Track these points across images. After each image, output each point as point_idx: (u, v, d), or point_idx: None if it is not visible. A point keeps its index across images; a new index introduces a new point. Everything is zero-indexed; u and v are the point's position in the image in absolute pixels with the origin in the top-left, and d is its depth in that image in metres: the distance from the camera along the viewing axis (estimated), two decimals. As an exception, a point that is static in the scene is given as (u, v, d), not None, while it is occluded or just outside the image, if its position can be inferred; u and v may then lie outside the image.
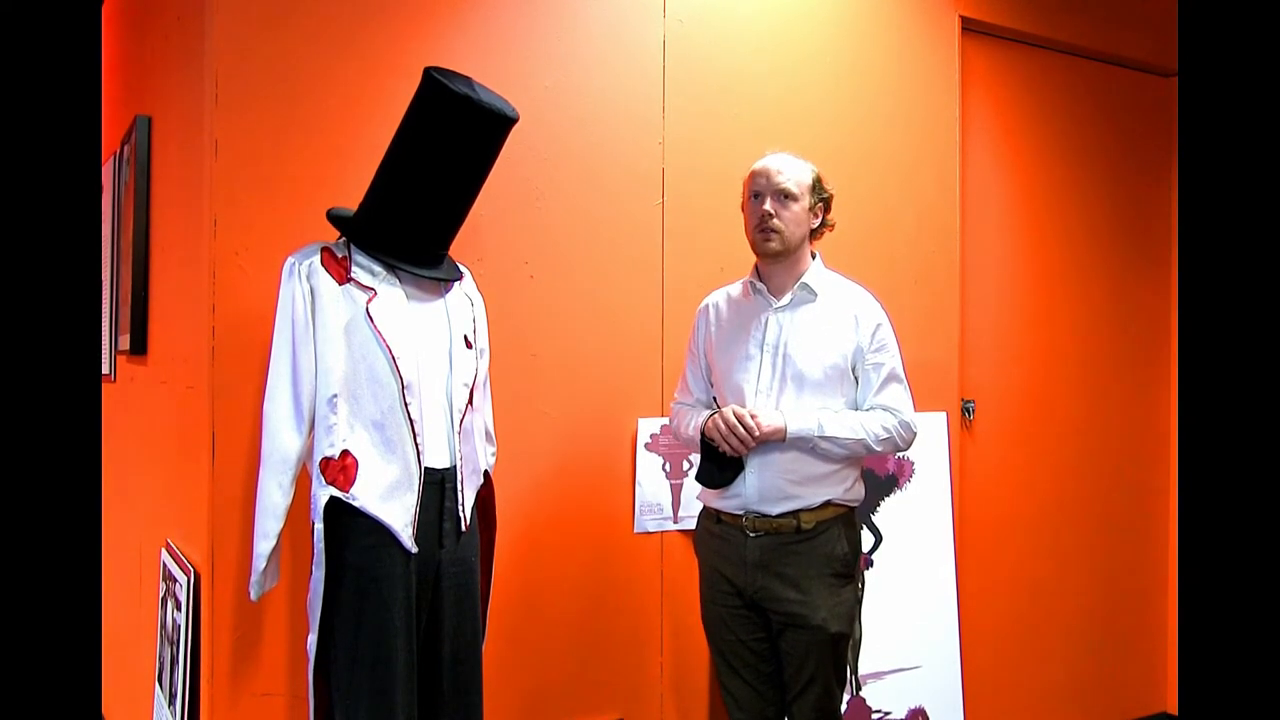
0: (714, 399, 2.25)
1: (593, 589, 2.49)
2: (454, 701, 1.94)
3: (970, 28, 3.14)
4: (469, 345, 1.99)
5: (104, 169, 3.09)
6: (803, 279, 2.16)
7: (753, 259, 2.50)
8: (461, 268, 2.05)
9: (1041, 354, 3.37)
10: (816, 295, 2.16)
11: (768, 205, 2.12)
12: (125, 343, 2.73)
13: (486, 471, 2.07)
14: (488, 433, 2.13)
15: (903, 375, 2.17)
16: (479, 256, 2.31)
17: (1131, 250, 3.60)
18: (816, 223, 2.18)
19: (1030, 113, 3.35)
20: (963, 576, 3.05)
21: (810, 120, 2.80)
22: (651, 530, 2.56)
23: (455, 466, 1.93)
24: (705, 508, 2.23)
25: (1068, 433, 3.42)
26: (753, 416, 2.04)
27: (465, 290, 2.05)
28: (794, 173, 2.13)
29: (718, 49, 2.66)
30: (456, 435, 1.93)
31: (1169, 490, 3.67)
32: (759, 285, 2.20)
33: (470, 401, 1.96)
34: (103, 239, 3.04)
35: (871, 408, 2.13)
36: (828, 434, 2.06)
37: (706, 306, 2.30)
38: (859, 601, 2.21)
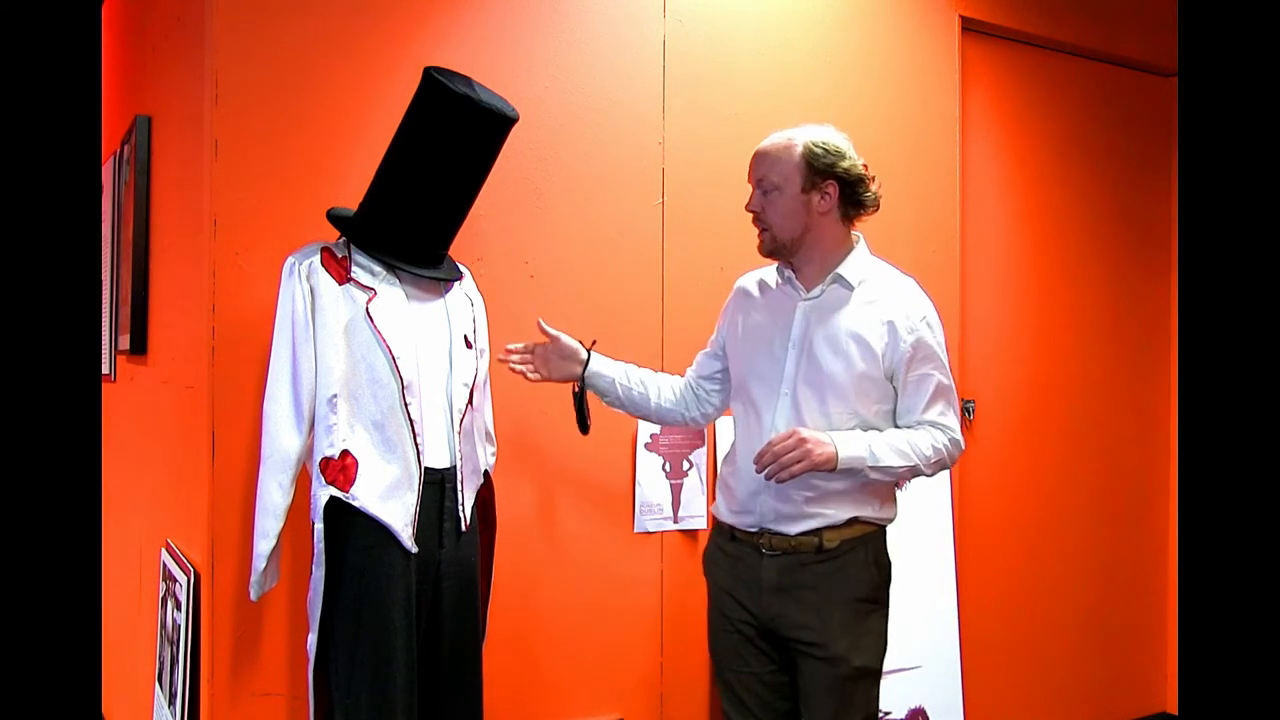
0: (701, 379, 2.15)
1: (593, 589, 2.49)
2: (454, 701, 1.94)
3: (970, 28, 3.14)
4: (469, 345, 1.99)
5: (104, 169, 3.09)
6: (837, 269, 1.91)
7: (754, 257, 2.49)
8: (461, 267, 2.05)
9: (1041, 354, 3.37)
10: (853, 288, 1.91)
11: (754, 202, 1.94)
12: (125, 343, 2.73)
13: (486, 471, 2.08)
14: (488, 433, 2.13)
15: (951, 385, 1.92)
16: (479, 256, 2.31)
17: (1131, 250, 3.60)
18: (827, 205, 1.89)
19: (1030, 113, 3.35)
20: (963, 576, 3.05)
21: (810, 120, 2.79)
22: (651, 530, 2.56)
23: (455, 466, 1.93)
24: (718, 523, 2.03)
25: (1068, 432, 3.42)
26: (801, 441, 1.78)
27: (465, 290, 2.05)
28: (775, 158, 1.90)
29: (718, 49, 2.66)
30: (456, 435, 1.93)
31: (1169, 490, 3.67)
32: (787, 273, 1.97)
33: (470, 401, 1.96)
34: (103, 239, 3.04)
35: (918, 424, 1.89)
36: (881, 463, 1.82)
37: (738, 290, 2.10)
38: (887, 633, 1.96)
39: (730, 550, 1.98)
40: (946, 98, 3.05)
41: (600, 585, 2.50)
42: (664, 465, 2.57)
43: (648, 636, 2.56)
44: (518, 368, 2.12)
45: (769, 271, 2.05)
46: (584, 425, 2.13)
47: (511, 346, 2.13)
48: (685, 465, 2.60)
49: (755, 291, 2.06)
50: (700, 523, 2.62)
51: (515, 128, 1.91)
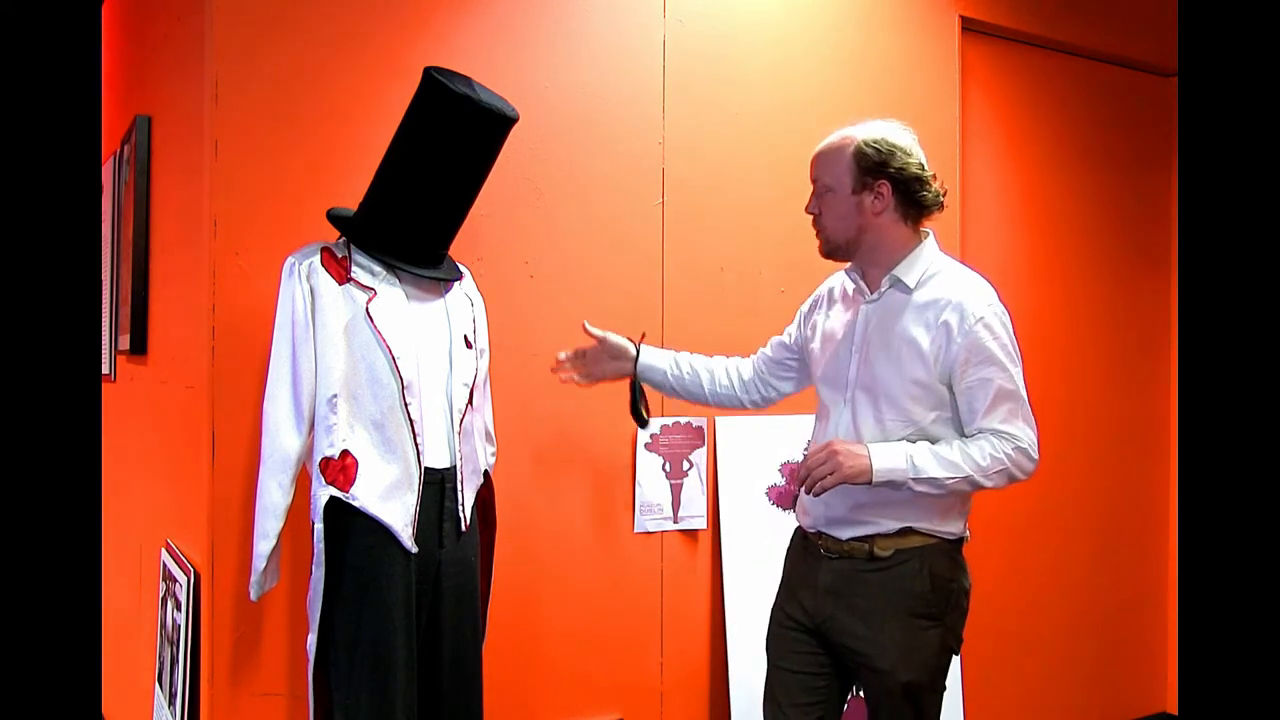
0: (771, 363, 2.14)
1: (593, 589, 2.49)
2: (454, 701, 1.94)
3: (970, 28, 3.14)
4: (469, 345, 1.99)
5: (104, 169, 3.09)
6: (894, 270, 1.84)
7: (754, 257, 2.50)
8: (461, 267, 2.05)
9: (1041, 353, 3.37)
10: (911, 290, 1.83)
11: (811, 204, 1.90)
12: (125, 343, 2.73)
13: (486, 471, 2.08)
14: (488, 433, 2.13)
15: (1018, 390, 1.80)
16: (479, 256, 2.31)
17: (1131, 250, 3.60)
18: (881, 206, 1.83)
19: (1030, 113, 3.35)
20: (963, 576, 3.04)
21: (810, 120, 2.80)
22: (651, 530, 2.56)
23: (455, 466, 1.93)
24: (798, 523, 2.03)
25: (1067, 432, 3.42)
26: (833, 454, 1.75)
27: (465, 290, 2.05)
28: (828, 159, 1.86)
29: (718, 49, 2.66)
30: (456, 435, 1.93)
31: (1169, 490, 3.67)
32: (853, 275, 1.92)
33: (470, 401, 1.96)
34: (103, 239, 3.04)
35: (979, 432, 1.79)
36: (924, 474, 1.74)
37: (824, 290, 2.06)
38: (952, 651, 1.89)
39: (801, 548, 1.99)
40: (946, 98, 3.05)
41: (600, 585, 2.50)
42: (664, 465, 2.57)
43: (648, 636, 2.56)
44: (566, 376, 2.14)
45: (847, 274, 2.01)
46: (640, 417, 2.13)
47: (561, 356, 2.15)
48: (685, 465, 2.60)
49: (837, 294, 2.02)
50: (700, 523, 2.62)
51: (515, 128, 1.91)
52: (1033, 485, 3.31)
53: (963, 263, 1.96)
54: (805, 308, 2.11)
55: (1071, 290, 3.45)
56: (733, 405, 2.19)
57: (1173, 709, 3.63)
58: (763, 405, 2.20)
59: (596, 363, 2.14)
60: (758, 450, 2.69)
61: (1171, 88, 3.66)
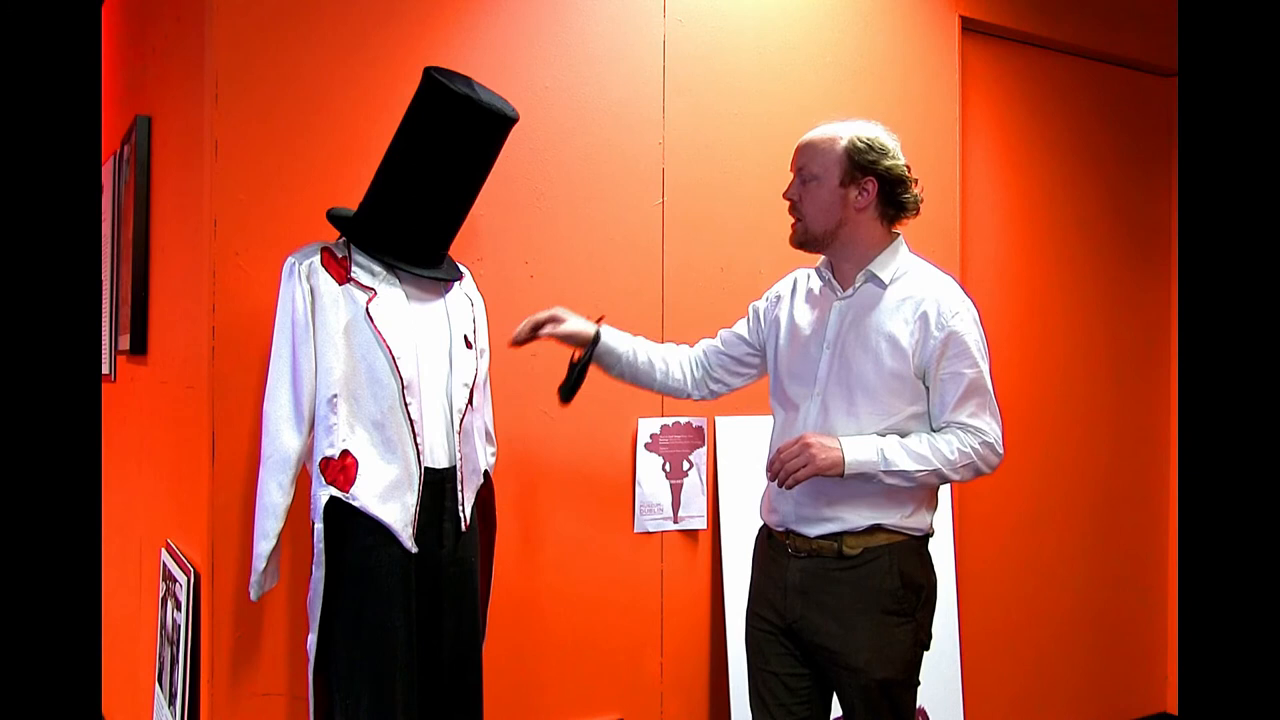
0: (725, 357, 2.11)
1: (593, 589, 2.49)
2: (454, 701, 1.94)
3: (970, 28, 3.14)
4: (469, 345, 1.99)
5: (104, 169, 3.09)
6: (869, 267, 1.87)
7: (754, 257, 2.50)
8: (461, 268, 2.05)
9: (1041, 354, 3.37)
10: (886, 286, 1.87)
11: (791, 190, 1.90)
12: (125, 343, 2.73)
13: (486, 471, 2.08)
14: (488, 433, 2.13)
15: (987, 385, 1.85)
16: (479, 256, 2.31)
17: (1131, 250, 3.61)
18: (864, 202, 1.85)
19: (1030, 113, 3.36)
20: (963, 576, 3.05)
21: (810, 120, 2.78)
22: (651, 530, 2.56)
23: (455, 466, 1.93)
24: (763, 522, 2.04)
25: (1067, 432, 3.42)
26: (806, 447, 1.78)
27: (465, 290, 2.06)
28: (818, 149, 1.87)
29: (718, 49, 2.66)
30: (456, 435, 1.93)
31: (1169, 490, 3.67)
32: (824, 273, 1.95)
33: (470, 401, 1.97)
34: (103, 239, 3.04)
35: (947, 425, 1.83)
36: (895, 467, 1.77)
37: (791, 284, 2.05)
38: (923, 646, 1.90)
39: (767, 548, 1.99)
40: (946, 98, 3.05)
41: (600, 585, 2.50)
42: (664, 465, 2.57)
43: (648, 637, 2.56)
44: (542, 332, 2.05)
45: (815, 272, 2.02)
46: (568, 395, 2.04)
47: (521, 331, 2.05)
48: (685, 465, 2.60)
49: (800, 291, 2.02)
50: (700, 523, 2.62)
51: (515, 128, 1.91)
52: (1033, 484, 3.33)
53: (935, 264, 1.97)
54: (763, 305, 2.09)
55: (1071, 289, 3.45)
56: (679, 397, 2.16)
57: (1173, 709, 3.63)
58: (710, 399, 2.16)
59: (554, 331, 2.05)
60: (758, 450, 2.69)
61: (1171, 88, 3.66)
